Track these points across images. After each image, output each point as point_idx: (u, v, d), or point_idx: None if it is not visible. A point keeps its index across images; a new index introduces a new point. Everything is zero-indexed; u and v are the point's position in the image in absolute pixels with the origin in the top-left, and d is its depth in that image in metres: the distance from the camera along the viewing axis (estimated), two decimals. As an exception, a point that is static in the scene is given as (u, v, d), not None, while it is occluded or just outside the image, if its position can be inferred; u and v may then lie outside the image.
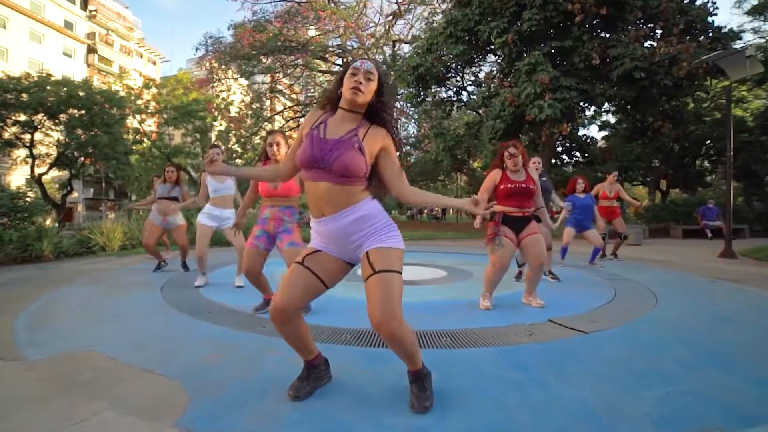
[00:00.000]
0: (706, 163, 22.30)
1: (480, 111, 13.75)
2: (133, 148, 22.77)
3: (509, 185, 3.47)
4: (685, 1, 11.41)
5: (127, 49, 41.07)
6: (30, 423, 1.65)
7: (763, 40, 17.42)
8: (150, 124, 25.44)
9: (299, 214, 3.31)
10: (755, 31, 17.98)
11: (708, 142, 19.05)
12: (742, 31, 12.52)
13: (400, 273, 1.69)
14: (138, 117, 23.41)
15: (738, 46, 10.32)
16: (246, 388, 1.96)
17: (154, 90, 24.68)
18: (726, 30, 11.42)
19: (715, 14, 11.38)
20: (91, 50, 36.67)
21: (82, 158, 19.19)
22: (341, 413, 1.74)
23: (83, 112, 17.77)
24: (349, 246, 1.75)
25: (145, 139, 23.79)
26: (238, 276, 4.56)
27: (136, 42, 42.47)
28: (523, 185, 3.48)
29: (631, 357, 2.41)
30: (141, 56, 42.95)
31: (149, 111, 24.05)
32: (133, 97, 22.69)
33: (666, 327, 3.03)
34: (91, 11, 37.30)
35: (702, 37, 11.15)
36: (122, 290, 4.28)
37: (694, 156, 20.77)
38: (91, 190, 34.20)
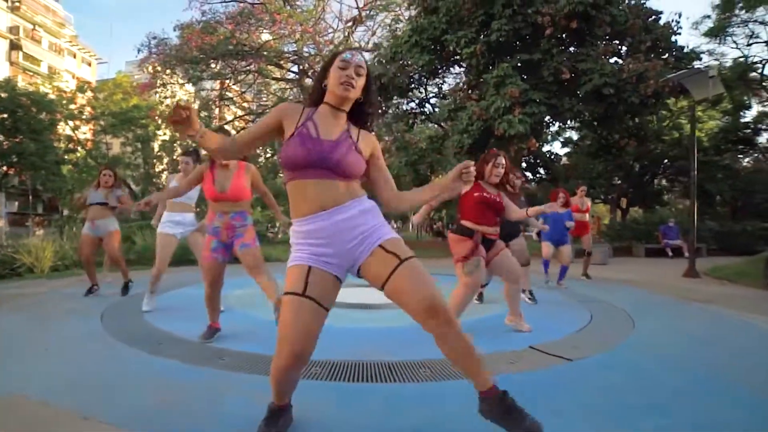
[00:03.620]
0: (664, 182, 23.72)
1: (444, 124, 14.01)
2: (66, 157, 21.66)
3: (485, 194, 3.39)
4: (650, 19, 12.15)
5: (58, 47, 39.11)
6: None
7: (717, 62, 18.94)
8: (85, 132, 24.25)
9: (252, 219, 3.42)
10: (710, 53, 19.51)
11: (666, 161, 20.25)
12: (701, 53, 13.55)
13: None
14: (71, 123, 22.32)
15: (698, 66, 11.14)
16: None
17: (89, 94, 23.64)
18: (688, 50, 12.24)
19: (679, 34, 12.21)
20: (15, 47, 34.48)
21: (5, 168, 18.07)
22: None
23: (5, 115, 16.81)
24: (351, 242, 1.65)
25: (79, 148, 22.64)
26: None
27: (68, 40, 40.45)
28: (497, 200, 3.43)
29: (621, 386, 2.42)
30: (74, 56, 41.08)
31: (84, 117, 23.00)
32: (65, 101, 21.61)
33: (649, 352, 3.11)
34: (13, 2, 34.85)
35: (666, 55, 11.88)
36: (54, 319, 3.96)
37: (653, 175, 22.00)
38: (16, 203, 31.94)
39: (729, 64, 18.82)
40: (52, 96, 21.26)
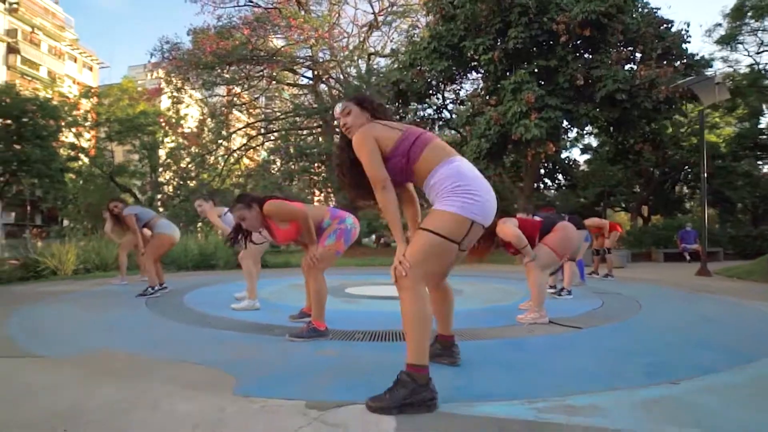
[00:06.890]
0: (685, 189, 24.19)
1: (462, 130, 14.64)
2: (69, 165, 22.16)
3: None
4: (661, 28, 12.94)
5: (58, 51, 39.80)
6: (90, 401, 1.91)
7: (731, 69, 19.65)
8: (88, 139, 24.85)
9: None
10: (724, 59, 20.25)
11: (686, 167, 20.78)
12: (713, 60, 14.29)
13: (436, 233, 1.86)
14: (74, 130, 22.89)
15: (709, 73, 11.88)
16: (286, 370, 2.36)
17: (94, 100, 24.19)
18: (698, 57, 13.10)
19: (689, 41, 12.99)
20: (12, 50, 35.19)
21: (6, 176, 18.43)
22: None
23: (9, 121, 17.23)
24: None
25: (82, 156, 23.18)
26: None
27: (69, 43, 41.23)
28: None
29: (627, 343, 3.02)
30: (75, 60, 42.03)
31: (88, 124, 23.48)
32: (67, 108, 22.17)
33: (655, 324, 3.72)
34: (11, 4, 35.48)
35: (678, 62, 12.61)
36: (103, 307, 4.45)
37: (673, 181, 22.49)
38: (13, 214, 32.40)
39: (743, 71, 19.52)
40: (55, 102, 21.79)
